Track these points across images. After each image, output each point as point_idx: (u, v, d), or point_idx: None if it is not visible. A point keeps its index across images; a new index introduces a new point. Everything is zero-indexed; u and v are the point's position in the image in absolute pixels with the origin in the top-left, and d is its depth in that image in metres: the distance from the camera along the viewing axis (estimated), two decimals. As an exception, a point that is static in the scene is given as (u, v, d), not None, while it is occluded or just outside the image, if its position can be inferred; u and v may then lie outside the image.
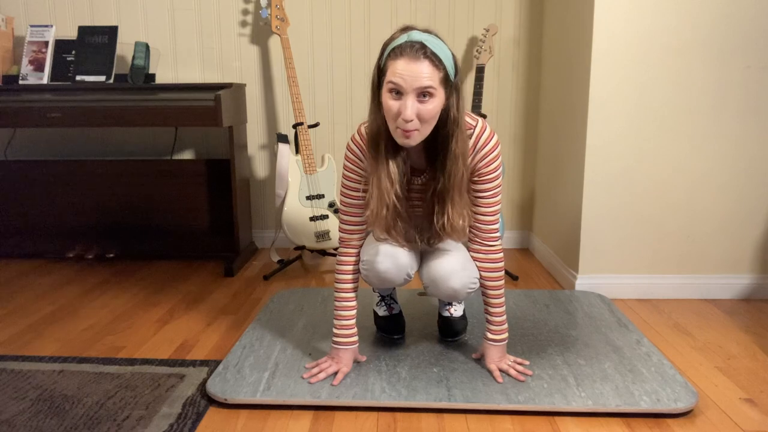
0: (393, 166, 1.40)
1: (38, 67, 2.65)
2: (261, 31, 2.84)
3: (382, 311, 1.84)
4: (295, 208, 2.51)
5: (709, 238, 2.21)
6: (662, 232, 2.21)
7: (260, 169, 2.97)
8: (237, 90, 2.65)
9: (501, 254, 1.55)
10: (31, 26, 2.68)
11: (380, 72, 1.34)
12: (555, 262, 2.51)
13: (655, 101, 2.13)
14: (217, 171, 2.83)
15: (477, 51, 2.60)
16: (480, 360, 1.63)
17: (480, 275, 1.55)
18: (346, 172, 1.52)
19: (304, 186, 2.53)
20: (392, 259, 1.51)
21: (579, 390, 1.47)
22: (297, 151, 2.55)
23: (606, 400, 1.42)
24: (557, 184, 2.52)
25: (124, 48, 2.82)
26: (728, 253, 2.22)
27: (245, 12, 2.82)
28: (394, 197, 1.40)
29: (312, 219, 2.54)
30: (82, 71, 2.62)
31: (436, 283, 1.52)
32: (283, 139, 2.51)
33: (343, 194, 1.54)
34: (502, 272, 1.56)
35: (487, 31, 2.59)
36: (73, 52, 2.67)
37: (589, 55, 2.12)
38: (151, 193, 2.85)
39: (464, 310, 1.86)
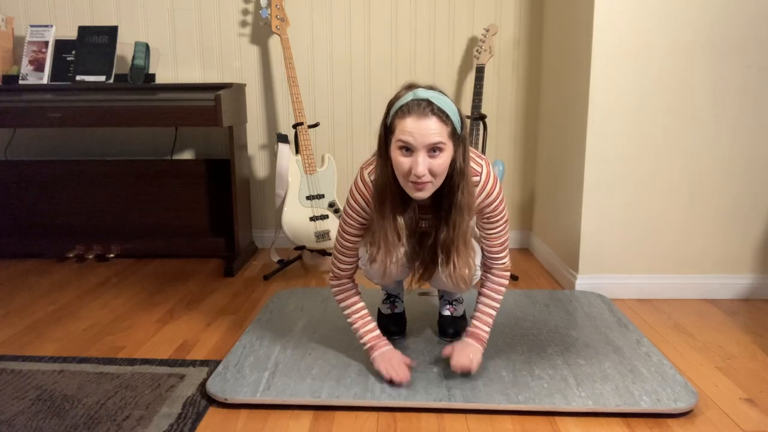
0: (400, 219, 1.42)
1: (38, 67, 2.65)
2: (261, 31, 2.84)
3: (385, 309, 1.84)
4: (295, 208, 2.51)
5: (709, 238, 2.21)
6: (662, 232, 2.21)
7: (260, 169, 2.97)
8: (237, 90, 2.65)
9: (507, 280, 1.60)
10: (31, 26, 2.68)
11: (387, 129, 1.36)
12: (555, 262, 2.51)
13: (655, 101, 2.13)
14: (217, 171, 2.83)
15: (477, 51, 2.60)
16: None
17: (482, 287, 1.61)
18: (347, 219, 1.53)
19: (304, 186, 2.53)
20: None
21: (579, 390, 1.47)
22: (297, 151, 2.55)
23: (606, 400, 1.42)
24: (557, 184, 2.52)
25: (124, 48, 2.82)
26: (728, 253, 2.22)
27: (245, 12, 2.82)
28: (401, 250, 1.44)
29: (312, 219, 2.54)
30: (82, 71, 2.62)
31: (439, 274, 1.54)
32: (283, 139, 2.51)
33: (341, 236, 1.55)
34: (502, 294, 1.61)
35: (487, 31, 2.59)
36: (73, 52, 2.67)
37: (589, 55, 2.12)
38: (151, 193, 2.85)
39: (464, 311, 1.86)
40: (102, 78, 2.61)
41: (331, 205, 2.59)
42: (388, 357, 1.54)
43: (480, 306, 1.60)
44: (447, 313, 1.82)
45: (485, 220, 1.52)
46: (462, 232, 1.41)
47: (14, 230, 2.88)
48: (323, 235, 2.55)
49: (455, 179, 1.37)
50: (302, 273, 2.59)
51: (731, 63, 2.10)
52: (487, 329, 1.58)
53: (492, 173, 1.48)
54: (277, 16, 2.57)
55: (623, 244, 2.22)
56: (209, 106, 2.41)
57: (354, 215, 1.51)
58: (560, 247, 2.47)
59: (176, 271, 2.61)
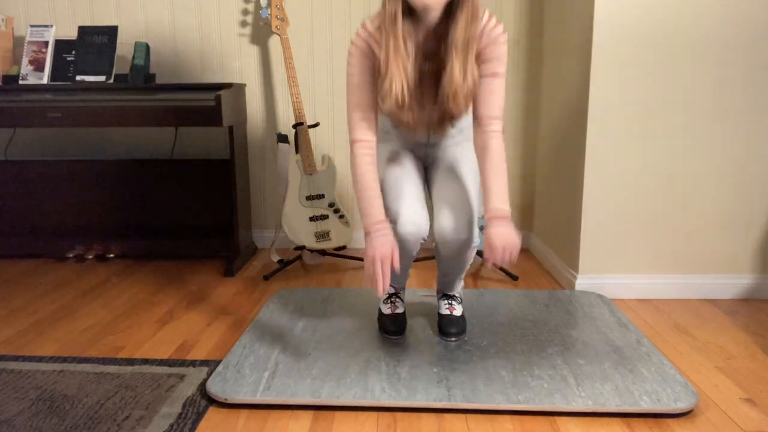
0: (409, 44, 1.44)
1: (38, 67, 2.65)
2: (261, 31, 2.84)
3: (386, 308, 1.84)
4: (295, 208, 2.51)
5: (709, 238, 2.21)
6: (662, 232, 2.21)
7: (260, 169, 2.97)
8: (237, 90, 2.65)
9: (502, 138, 1.53)
10: (31, 26, 2.68)
11: None
12: (555, 262, 2.51)
13: (655, 101, 2.13)
14: (217, 171, 2.83)
15: (477, 51, 2.60)
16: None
17: (485, 160, 1.53)
18: (354, 70, 1.50)
19: (304, 186, 2.53)
20: (415, 227, 1.55)
21: (579, 390, 1.47)
22: (297, 151, 2.55)
23: (606, 400, 1.42)
24: (557, 184, 2.52)
25: (124, 48, 2.82)
26: (728, 253, 2.22)
27: (245, 12, 2.82)
28: (411, 69, 1.45)
29: (312, 219, 2.54)
30: (82, 71, 2.63)
31: (445, 236, 1.56)
32: (283, 139, 2.51)
33: (353, 93, 1.52)
34: (503, 154, 1.53)
35: (487, 31, 2.59)
36: (73, 52, 2.67)
37: (589, 55, 2.12)
38: (151, 193, 2.85)
39: (463, 312, 1.86)
40: (102, 78, 2.61)
41: (331, 205, 2.59)
42: (379, 254, 1.44)
43: (490, 178, 1.50)
44: (446, 312, 1.82)
45: (484, 64, 1.50)
46: (461, 42, 1.41)
47: (14, 230, 2.88)
48: (323, 235, 2.55)
49: (460, 2, 1.39)
50: (302, 273, 2.59)
51: (732, 63, 2.10)
52: (506, 198, 1.50)
53: (494, 16, 1.49)
54: (277, 16, 2.57)
55: (623, 244, 2.22)
56: (209, 106, 2.41)
57: (359, 63, 1.49)
58: (560, 247, 2.47)
59: (176, 271, 2.61)
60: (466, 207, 1.58)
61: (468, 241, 1.59)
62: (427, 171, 1.75)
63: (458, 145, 1.72)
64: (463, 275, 1.80)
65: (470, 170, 1.66)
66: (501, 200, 1.49)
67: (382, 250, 1.45)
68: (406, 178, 1.62)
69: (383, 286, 1.44)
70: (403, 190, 1.59)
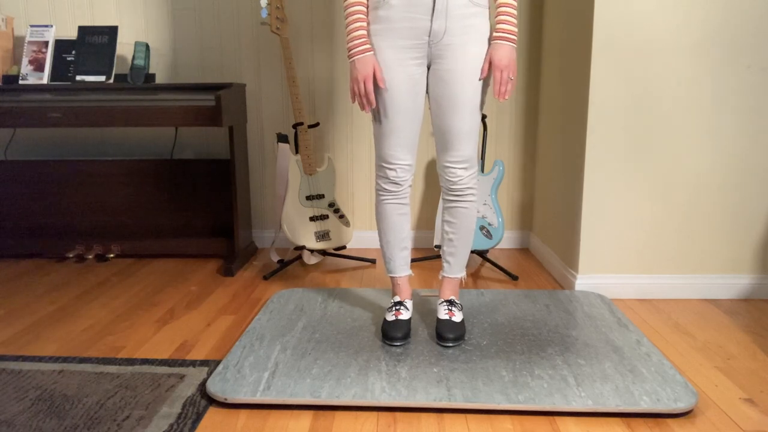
0: None
1: (38, 67, 2.65)
2: (261, 31, 2.84)
3: (390, 316, 1.80)
4: (295, 208, 2.51)
5: (709, 238, 2.21)
6: (662, 232, 2.21)
7: (260, 169, 2.97)
8: (237, 90, 2.66)
9: None
10: (31, 26, 2.68)
11: None
12: (555, 262, 2.51)
13: (655, 101, 2.13)
14: (217, 171, 2.83)
15: (477, 51, 2.60)
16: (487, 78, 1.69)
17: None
18: None
19: (305, 186, 2.53)
20: (404, 172, 1.75)
21: (579, 390, 1.47)
22: (297, 151, 2.55)
23: (606, 400, 1.42)
24: (557, 183, 2.52)
25: (124, 48, 2.82)
26: (728, 253, 2.22)
27: (245, 12, 2.82)
28: None
29: (312, 219, 2.54)
30: (82, 71, 2.63)
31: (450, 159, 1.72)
32: (283, 139, 2.51)
33: None
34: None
35: (487, 31, 2.59)
36: (73, 52, 2.67)
37: (589, 55, 2.12)
38: (151, 193, 2.85)
39: (463, 318, 1.83)
40: (102, 78, 2.61)
41: (331, 205, 2.59)
42: (369, 72, 1.62)
43: (499, 8, 1.65)
44: (445, 316, 1.79)
45: None
46: None
47: (14, 230, 2.88)
48: (323, 235, 2.56)
49: None
50: (302, 273, 2.59)
51: (731, 63, 2.10)
52: (514, 21, 1.62)
53: None
54: (277, 16, 2.57)
55: (623, 244, 2.22)
56: (210, 106, 2.41)
57: None
58: (560, 247, 2.47)
59: (176, 271, 2.61)
60: (467, 145, 1.71)
61: (471, 177, 1.73)
62: (428, 69, 1.70)
63: (464, 45, 1.63)
64: (468, 250, 1.82)
65: (473, 91, 1.66)
66: (507, 19, 1.63)
67: (364, 71, 1.62)
68: (401, 124, 1.70)
69: (367, 106, 1.65)
70: (394, 139, 1.71)
